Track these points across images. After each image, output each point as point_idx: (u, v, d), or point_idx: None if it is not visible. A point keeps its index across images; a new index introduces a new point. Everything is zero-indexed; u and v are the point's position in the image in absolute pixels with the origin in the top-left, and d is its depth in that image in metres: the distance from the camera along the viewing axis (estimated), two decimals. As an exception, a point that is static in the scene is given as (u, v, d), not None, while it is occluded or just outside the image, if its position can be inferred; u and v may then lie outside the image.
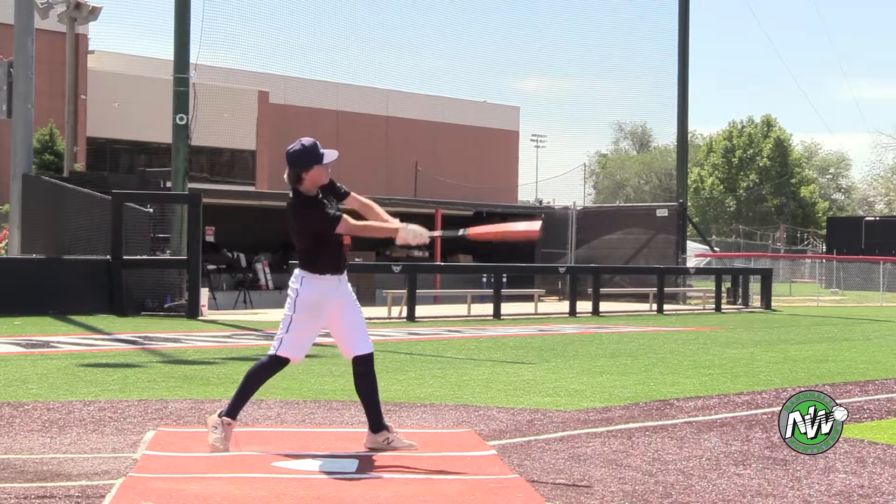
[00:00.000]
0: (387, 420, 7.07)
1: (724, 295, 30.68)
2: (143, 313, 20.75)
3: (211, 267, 28.36)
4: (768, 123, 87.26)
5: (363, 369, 6.98)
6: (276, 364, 6.97)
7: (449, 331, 19.34)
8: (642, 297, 29.59)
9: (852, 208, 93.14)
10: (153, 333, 16.51)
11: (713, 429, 8.24)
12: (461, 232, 7.12)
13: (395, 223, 6.97)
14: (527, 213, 37.64)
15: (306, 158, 6.79)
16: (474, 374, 11.69)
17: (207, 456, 6.64)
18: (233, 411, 6.90)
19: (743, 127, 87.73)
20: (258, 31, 52.52)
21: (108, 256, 20.75)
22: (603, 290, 26.62)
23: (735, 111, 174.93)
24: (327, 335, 7.24)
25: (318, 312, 6.89)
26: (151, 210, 22.19)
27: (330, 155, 6.84)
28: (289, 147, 6.89)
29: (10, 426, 7.75)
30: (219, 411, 6.98)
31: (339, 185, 7.06)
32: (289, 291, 6.99)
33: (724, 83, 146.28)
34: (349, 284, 7.09)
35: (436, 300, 27.92)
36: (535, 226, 7.17)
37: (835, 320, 25.75)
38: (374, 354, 7.06)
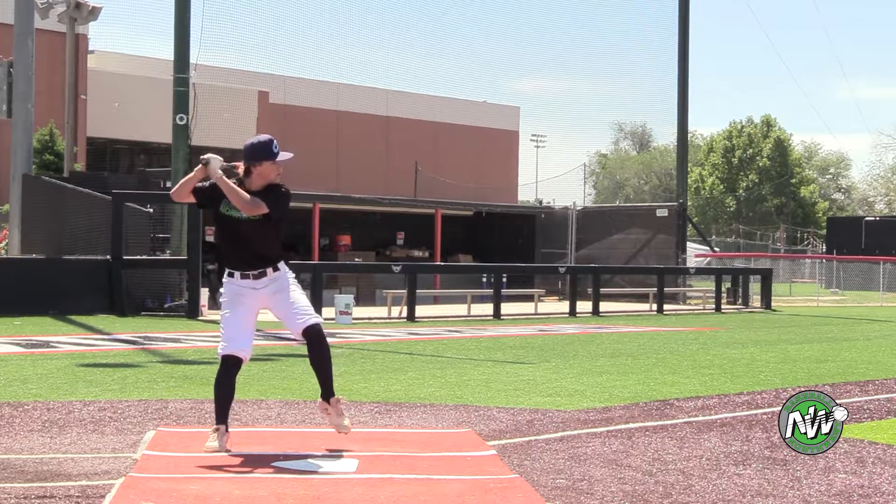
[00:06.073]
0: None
1: (724, 295, 30.67)
2: (143, 313, 20.74)
3: (211, 267, 28.35)
4: (768, 123, 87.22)
5: (310, 340, 7.04)
6: (223, 365, 6.97)
7: (449, 331, 19.33)
8: (642, 297, 29.58)
9: (852, 208, 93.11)
10: (153, 333, 16.51)
11: (713, 429, 8.24)
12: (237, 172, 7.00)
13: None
14: (527, 213, 37.68)
15: (259, 153, 6.90)
16: (474, 374, 11.68)
17: (207, 456, 6.64)
18: (218, 418, 6.93)
19: (743, 127, 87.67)
20: (258, 32, 52.53)
21: (108, 256, 20.75)
22: (603, 290, 26.61)
23: (735, 111, 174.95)
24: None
25: (235, 305, 6.94)
26: (151, 210, 22.18)
27: (284, 155, 6.94)
28: (246, 141, 7.02)
29: (10, 426, 7.75)
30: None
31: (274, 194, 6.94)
32: None
33: (724, 83, 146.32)
34: (282, 275, 7.02)
35: (436, 300, 27.90)
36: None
37: (835, 320, 25.74)
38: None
